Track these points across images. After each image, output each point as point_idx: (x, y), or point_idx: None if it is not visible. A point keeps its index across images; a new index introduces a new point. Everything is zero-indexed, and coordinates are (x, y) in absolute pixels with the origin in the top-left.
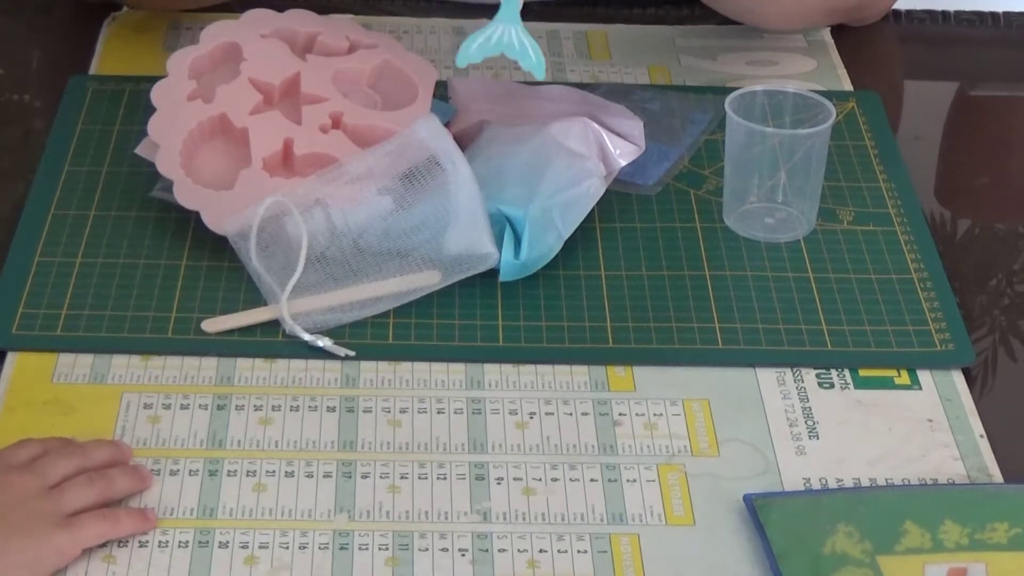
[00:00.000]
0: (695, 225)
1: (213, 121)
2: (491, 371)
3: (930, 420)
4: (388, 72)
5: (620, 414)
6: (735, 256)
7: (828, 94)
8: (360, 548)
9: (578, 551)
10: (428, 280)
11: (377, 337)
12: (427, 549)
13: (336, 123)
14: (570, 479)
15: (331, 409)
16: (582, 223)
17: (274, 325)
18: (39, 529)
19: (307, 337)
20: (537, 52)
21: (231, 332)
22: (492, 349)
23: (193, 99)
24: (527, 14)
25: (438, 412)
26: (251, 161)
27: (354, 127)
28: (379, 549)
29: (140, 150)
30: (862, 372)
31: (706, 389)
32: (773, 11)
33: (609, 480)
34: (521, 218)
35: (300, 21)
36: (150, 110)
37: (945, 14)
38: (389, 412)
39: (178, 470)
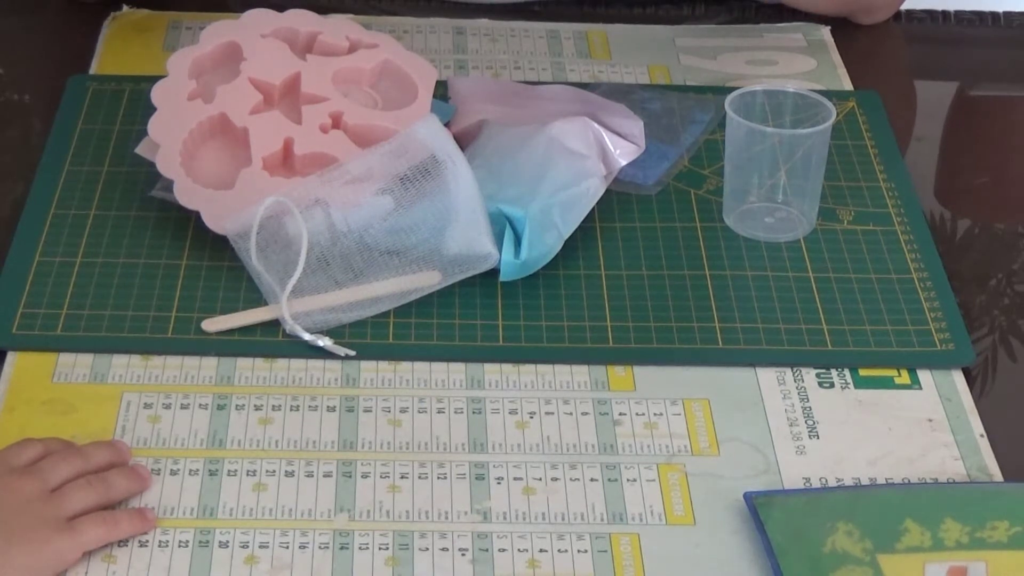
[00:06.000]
0: (695, 225)
1: (213, 121)
2: (491, 371)
3: (930, 420)
4: (388, 72)
5: (620, 414)
6: (735, 256)
7: (828, 94)
8: (360, 548)
9: (578, 551)
10: (428, 280)
11: (377, 337)
12: (427, 549)
13: (336, 123)
14: (570, 479)
15: (331, 409)
16: (582, 223)
17: (274, 325)
18: (41, 533)
19: (307, 337)
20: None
21: (231, 332)
22: (492, 349)
23: (193, 99)
24: (527, 14)
25: (438, 412)
26: (251, 161)
27: (354, 127)
28: (379, 549)
29: (140, 150)
30: (862, 372)
31: (706, 389)
32: None
33: (609, 480)
34: (521, 218)
35: (300, 21)
36: (150, 110)
37: (945, 14)
38: (389, 412)
39: (178, 470)
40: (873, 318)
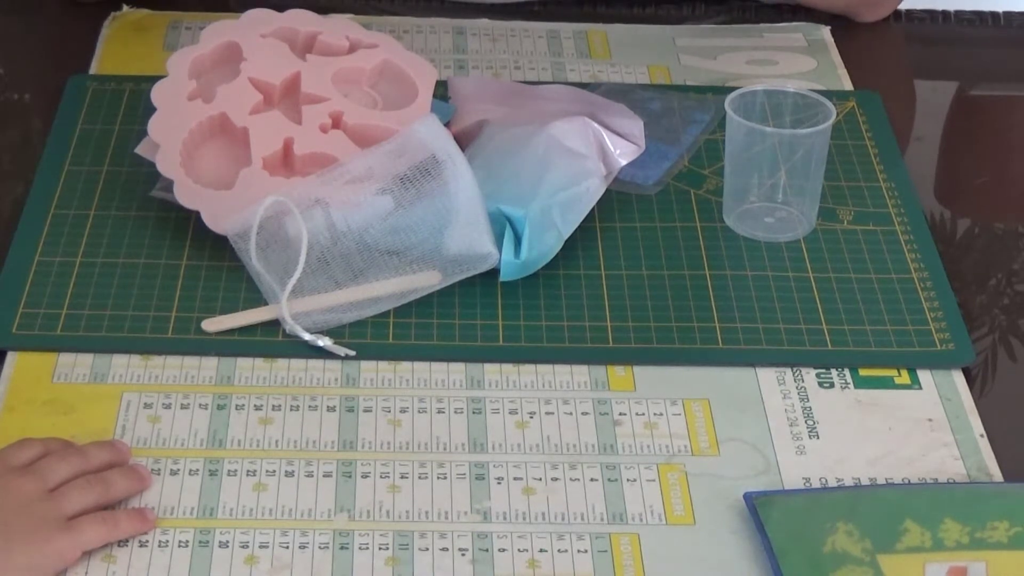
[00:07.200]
0: (695, 225)
1: (213, 121)
2: (491, 371)
3: (930, 420)
4: (388, 72)
5: (620, 414)
6: (735, 256)
7: (828, 94)
8: (360, 548)
9: (578, 551)
10: (428, 280)
11: (377, 337)
12: (427, 549)
13: (336, 123)
14: (570, 479)
15: (331, 409)
16: (582, 223)
17: (274, 325)
18: (40, 533)
19: (307, 337)
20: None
21: (231, 332)
22: (492, 349)
23: (193, 99)
24: (527, 14)
25: (438, 412)
26: (251, 161)
27: (354, 127)
28: (379, 549)
29: (140, 150)
30: (862, 372)
31: (706, 389)
32: None
33: (609, 480)
34: (521, 218)
35: (300, 21)
36: (150, 110)
37: (945, 14)
38: (389, 412)
39: (178, 470)
40: (873, 318)
